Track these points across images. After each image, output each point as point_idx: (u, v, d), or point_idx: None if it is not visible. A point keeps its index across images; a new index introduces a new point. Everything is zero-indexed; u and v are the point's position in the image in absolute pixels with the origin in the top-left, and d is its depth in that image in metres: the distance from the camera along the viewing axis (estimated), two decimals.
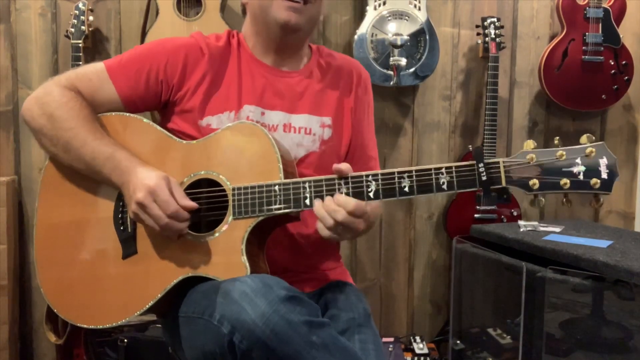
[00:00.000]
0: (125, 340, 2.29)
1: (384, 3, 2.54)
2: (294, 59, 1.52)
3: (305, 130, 1.46)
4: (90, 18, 2.44)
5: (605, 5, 2.60)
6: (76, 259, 1.36)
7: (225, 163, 1.31)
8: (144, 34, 2.46)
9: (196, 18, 2.44)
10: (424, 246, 2.82)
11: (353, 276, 2.62)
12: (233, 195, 1.27)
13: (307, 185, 1.25)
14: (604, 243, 2.05)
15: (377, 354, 1.31)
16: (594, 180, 1.16)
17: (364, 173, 1.24)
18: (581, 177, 1.16)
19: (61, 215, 1.38)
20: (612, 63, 2.61)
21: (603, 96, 2.65)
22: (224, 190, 1.29)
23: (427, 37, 2.54)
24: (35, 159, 2.60)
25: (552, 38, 2.74)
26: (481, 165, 1.20)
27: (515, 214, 2.64)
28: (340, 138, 1.51)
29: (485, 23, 2.60)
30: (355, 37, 2.53)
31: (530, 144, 1.20)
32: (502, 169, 1.19)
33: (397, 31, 2.52)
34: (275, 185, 1.26)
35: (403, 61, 2.49)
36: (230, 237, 1.26)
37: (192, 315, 1.23)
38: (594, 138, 1.18)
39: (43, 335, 2.51)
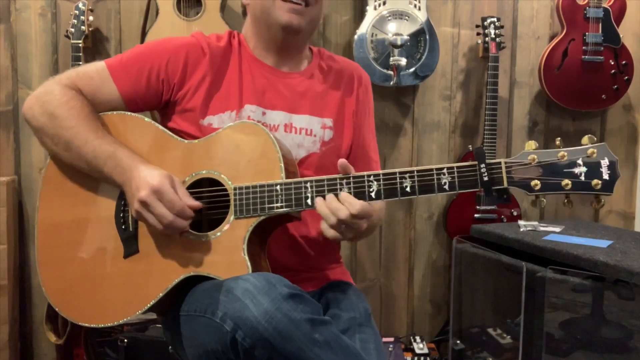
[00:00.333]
0: (125, 340, 2.29)
1: (384, 3, 2.54)
2: (294, 60, 1.52)
3: (306, 131, 1.46)
4: (90, 18, 2.44)
5: (605, 5, 2.60)
6: (78, 258, 1.36)
7: (226, 162, 1.31)
8: (144, 34, 2.46)
9: (196, 18, 2.44)
10: (424, 246, 2.82)
11: (353, 276, 2.62)
12: (234, 194, 1.28)
13: (308, 185, 1.25)
14: (604, 243, 2.05)
15: (377, 353, 1.32)
16: (595, 181, 1.16)
17: (365, 173, 1.24)
18: (582, 178, 1.16)
19: (62, 214, 1.38)
20: (612, 63, 2.62)
21: (603, 96, 2.65)
22: (225, 190, 1.29)
23: (427, 37, 2.55)
24: (35, 159, 2.60)
25: (552, 38, 2.75)
26: (483, 165, 1.20)
27: (515, 213, 2.64)
28: (341, 140, 1.51)
29: (485, 23, 2.60)
30: (355, 37, 2.53)
31: (531, 144, 1.20)
32: (503, 170, 1.20)
33: (397, 31, 2.52)
34: (276, 184, 1.26)
35: (403, 61, 2.49)
36: (232, 236, 1.26)
37: (193, 314, 1.23)
38: (595, 139, 1.18)
39: (43, 335, 2.51)
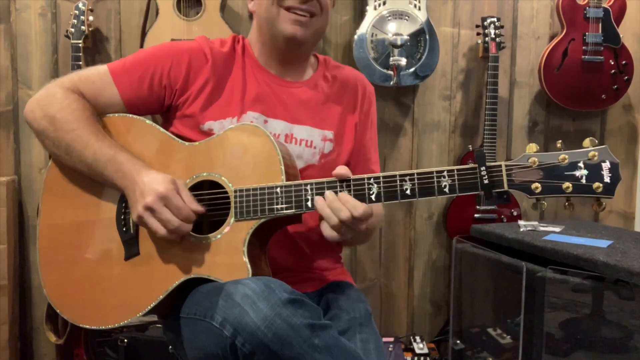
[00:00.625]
0: (125, 340, 2.30)
1: (384, 3, 2.54)
2: (298, 70, 1.52)
3: (306, 142, 1.46)
4: (90, 18, 2.44)
5: (605, 5, 2.60)
6: (79, 260, 1.36)
7: (227, 165, 1.31)
8: (144, 34, 2.45)
9: (196, 18, 2.44)
10: (424, 246, 2.83)
11: (353, 276, 2.62)
12: (235, 197, 1.28)
13: (308, 187, 1.25)
14: (604, 243, 2.05)
15: (378, 353, 1.32)
16: (596, 184, 1.16)
17: (365, 176, 1.24)
18: (583, 181, 1.16)
19: (64, 216, 1.38)
20: (612, 63, 2.62)
21: (603, 96, 2.65)
22: (225, 192, 1.29)
23: (427, 37, 2.54)
24: (35, 159, 2.60)
25: (552, 38, 2.75)
26: (483, 168, 1.20)
27: (515, 213, 2.64)
28: (341, 152, 1.51)
29: (485, 23, 2.60)
30: (355, 37, 2.53)
31: (532, 147, 1.20)
32: (504, 173, 1.19)
33: (397, 31, 2.52)
34: (277, 187, 1.26)
35: (403, 61, 2.49)
36: (232, 238, 1.26)
37: (193, 317, 1.23)
38: (596, 141, 1.18)
39: (43, 335, 2.52)
